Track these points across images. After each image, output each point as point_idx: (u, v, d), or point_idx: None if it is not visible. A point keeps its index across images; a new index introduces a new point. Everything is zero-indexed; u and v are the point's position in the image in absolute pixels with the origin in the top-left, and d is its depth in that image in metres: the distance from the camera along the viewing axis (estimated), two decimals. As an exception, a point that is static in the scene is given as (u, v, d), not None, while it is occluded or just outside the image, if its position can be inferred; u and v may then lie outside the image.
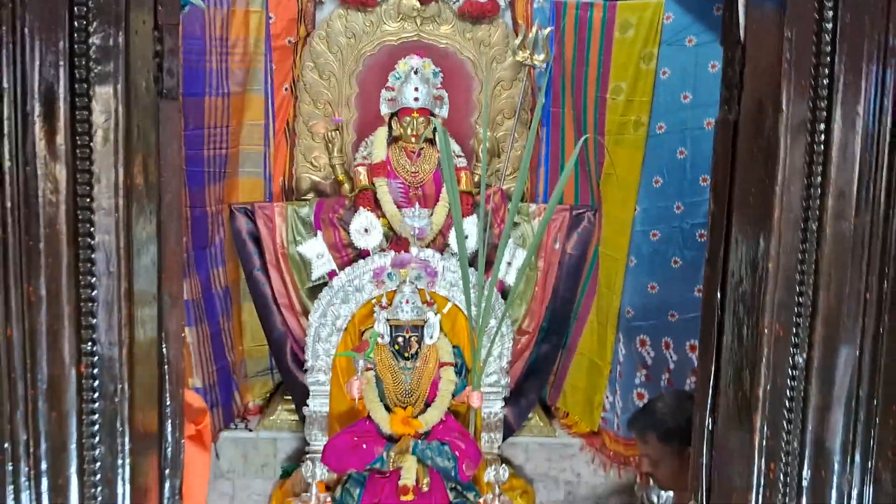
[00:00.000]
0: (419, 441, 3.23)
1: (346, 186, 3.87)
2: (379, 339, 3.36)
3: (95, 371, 1.20)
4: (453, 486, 3.27)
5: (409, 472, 3.14)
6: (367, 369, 3.33)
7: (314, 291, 3.68)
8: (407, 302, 3.36)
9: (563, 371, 4.07)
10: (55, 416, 1.19)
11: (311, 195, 4.00)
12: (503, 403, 3.71)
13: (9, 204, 1.14)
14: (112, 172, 1.18)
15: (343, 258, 3.67)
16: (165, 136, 1.34)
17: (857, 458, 1.28)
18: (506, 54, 3.96)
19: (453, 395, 3.37)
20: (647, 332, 3.70)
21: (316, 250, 3.62)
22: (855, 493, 1.29)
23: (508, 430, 3.82)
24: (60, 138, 1.14)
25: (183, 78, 3.45)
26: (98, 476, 1.23)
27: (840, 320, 1.26)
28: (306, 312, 3.67)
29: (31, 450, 1.19)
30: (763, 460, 1.30)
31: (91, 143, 1.16)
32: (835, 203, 1.24)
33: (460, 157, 3.89)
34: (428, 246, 3.63)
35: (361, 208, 3.62)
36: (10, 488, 1.19)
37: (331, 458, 3.19)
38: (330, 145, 3.89)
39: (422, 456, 3.19)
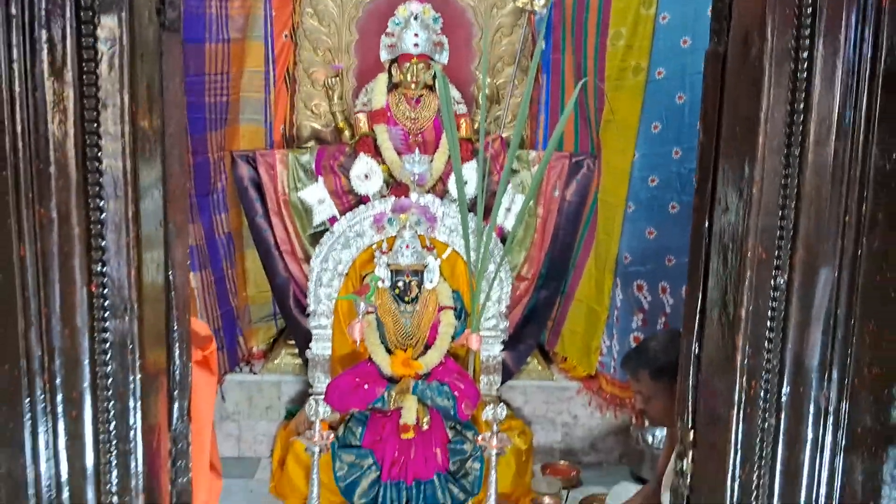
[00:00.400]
0: (419, 381, 3.31)
1: (347, 133, 3.90)
2: (379, 283, 3.42)
3: (106, 291, 1.26)
4: (452, 424, 3.36)
5: (410, 411, 3.23)
6: (368, 313, 3.40)
7: (316, 238, 3.74)
8: (407, 247, 3.41)
9: (561, 317, 4.14)
10: (68, 333, 1.24)
11: (311, 143, 4.04)
12: (502, 347, 3.79)
13: (19, 128, 1.18)
14: (118, 99, 1.22)
15: (344, 205, 3.71)
16: (168, 67, 1.37)
17: (835, 375, 1.34)
18: (506, 0, 3.96)
19: (452, 338, 3.45)
20: (645, 278, 3.75)
21: (317, 196, 3.67)
22: (832, 408, 1.35)
23: (507, 373, 3.90)
24: (67, 64, 1.18)
25: (183, 24, 3.46)
26: (110, 391, 1.29)
27: (820, 243, 1.30)
28: (308, 258, 3.73)
29: (46, 365, 1.25)
30: (744, 378, 1.36)
31: (97, 70, 1.20)
32: (816, 129, 1.28)
33: (460, 103, 3.91)
34: (428, 192, 3.67)
35: (362, 154, 3.66)
36: (26, 401, 1.25)
37: (333, 397, 3.27)
38: (330, 92, 3.91)
39: (422, 396, 3.27)
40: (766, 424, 1.37)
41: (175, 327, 1.47)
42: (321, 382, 3.63)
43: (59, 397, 1.26)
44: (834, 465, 1.38)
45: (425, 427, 3.25)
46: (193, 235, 3.61)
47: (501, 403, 3.19)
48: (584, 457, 3.96)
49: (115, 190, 1.24)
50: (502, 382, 3.85)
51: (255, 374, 3.93)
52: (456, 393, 3.27)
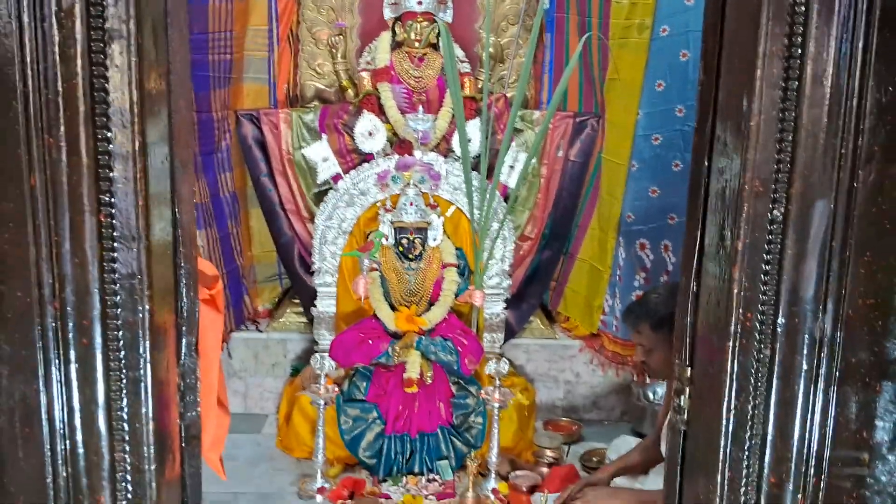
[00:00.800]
0: (423, 337, 3.35)
1: (350, 92, 3.90)
2: (383, 241, 3.45)
3: (114, 221, 1.28)
4: (456, 379, 3.40)
5: (414, 365, 3.27)
6: (372, 270, 3.43)
7: (320, 197, 3.76)
8: (411, 204, 3.43)
9: (564, 277, 4.17)
10: (78, 261, 1.27)
11: (315, 103, 4.04)
12: (505, 305, 3.83)
13: (28, 59, 1.20)
14: (124, 31, 1.24)
15: (348, 163, 3.73)
16: (173, 4, 1.39)
17: (830, 306, 1.36)
18: (510, -42, 3.94)
19: (456, 295, 3.48)
20: (647, 236, 3.77)
21: (321, 153, 3.69)
22: (827, 339, 1.38)
23: (510, 332, 3.94)
24: (74, -5, 1.20)
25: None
26: (120, 320, 1.32)
27: (816, 176, 1.32)
28: (312, 217, 3.76)
29: (57, 292, 1.28)
30: (741, 310, 1.39)
31: (104, 2, 1.22)
32: (814, 64, 1.29)
33: (464, 62, 3.92)
34: (432, 150, 3.68)
35: (365, 112, 3.67)
36: (37, 329, 1.29)
37: (338, 352, 3.31)
38: (333, 51, 3.91)
39: (425, 350, 3.31)
40: (762, 356, 1.40)
41: (182, 263, 1.50)
42: (326, 340, 3.67)
43: (71, 324, 1.30)
44: (828, 395, 1.41)
45: (429, 381, 3.29)
46: (199, 194, 3.63)
47: (504, 358, 3.23)
48: (586, 414, 4.01)
49: (122, 121, 1.26)
50: (505, 341, 3.89)
51: (260, 332, 3.97)
52: (459, 348, 3.31)
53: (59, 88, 1.22)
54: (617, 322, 3.88)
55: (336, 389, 3.23)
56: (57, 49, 1.21)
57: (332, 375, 3.34)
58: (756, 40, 1.32)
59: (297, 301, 4.04)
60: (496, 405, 3.16)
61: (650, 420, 3.72)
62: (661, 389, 3.68)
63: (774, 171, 1.33)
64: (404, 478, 3.24)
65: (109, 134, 1.26)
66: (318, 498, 3.11)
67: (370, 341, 3.33)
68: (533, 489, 3.10)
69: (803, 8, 1.28)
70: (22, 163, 1.23)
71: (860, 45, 1.29)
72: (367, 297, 3.38)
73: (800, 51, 1.29)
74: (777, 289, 1.37)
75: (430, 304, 3.48)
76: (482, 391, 3.27)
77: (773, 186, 1.34)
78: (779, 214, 1.34)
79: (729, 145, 1.40)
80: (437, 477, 3.25)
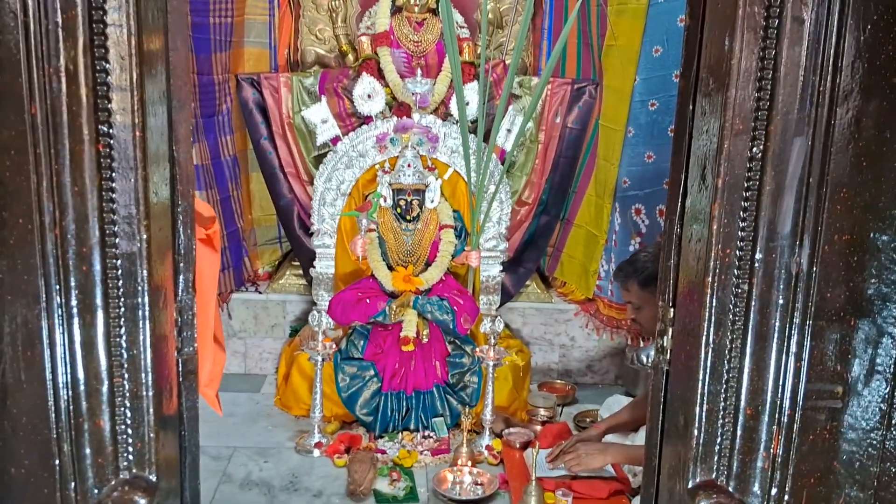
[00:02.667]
0: (419, 296, 3.39)
1: (350, 57, 3.93)
2: (381, 202, 3.49)
3: (112, 152, 1.32)
4: (452, 339, 3.45)
5: (410, 324, 3.32)
6: (370, 230, 3.47)
7: (319, 160, 3.79)
8: (409, 166, 3.47)
9: (560, 242, 4.21)
10: (77, 190, 1.32)
11: (315, 68, 4.06)
12: (501, 268, 3.87)
13: (27, -12, 1.24)
14: (122, -36, 1.27)
15: (347, 127, 3.76)
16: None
17: (806, 241, 1.40)
18: (511, -75, 3.95)
19: (453, 256, 3.52)
20: (643, 201, 3.80)
21: (320, 115, 3.72)
22: (803, 274, 1.42)
23: (506, 295, 3.99)
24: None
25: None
26: (118, 249, 1.37)
27: (794, 113, 1.36)
28: (312, 180, 3.79)
29: (58, 220, 1.32)
30: (720, 246, 1.43)
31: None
32: (793, 3, 1.32)
33: (463, 27, 3.94)
34: (430, 114, 3.71)
35: (364, 74, 3.70)
36: (38, 255, 1.33)
37: (336, 310, 3.36)
38: (334, 15, 3.94)
39: (422, 310, 3.36)
40: (739, 290, 1.44)
41: (179, 200, 1.54)
42: (325, 300, 3.71)
43: (71, 252, 1.34)
44: (804, 330, 1.45)
45: (425, 340, 3.34)
46: (200, 156, 3.66)
47: (499, 318, 3.27)
48: (581, 377, 4.06)
49: (120, 52, 1.30)
50: (501, 304, 3.94)
51: (260, 293, 4.02)
52: (455, 307, 3.36)
53: (59, 19, 1.26)
54: (612, 286, 3.92)
55: (334, 347, 3.28)
56: (56, -21, 1.24)
57: (329, 335, 3.39)
58: (739, -20, 1.35)
59: (296, 263, 4.09)
60: (491, 363, 3.21)
61: (644, 383, 3.77)
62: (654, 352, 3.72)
63: (754, 109, 1.37)
64: (400, 434, 3.30)
65: (108, 66, 1.29)
66: (315, 452, 3.17)
67: (367, 300, 3.37)
68: (526, 446, 3.16)
69: (784, -51, 1.31)
70: (22, 91, 1.26)
71: (839, -17, 1.32)
72: (364, 258, 3.43)
73: (780, -9, 1.33)
74: (755, 225, 1.41)
75: (427, 264, 3.52)
76: (477, 350, 3.33)
77: (753, 124, 1.38)
78: (758, 152, 1.38)
79: (711, 86, 1.44)
80: (432, 434, 3.31)
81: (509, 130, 3.74)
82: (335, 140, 3.72)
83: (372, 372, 3.35)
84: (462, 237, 3.58)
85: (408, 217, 3.50)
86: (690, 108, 1.55)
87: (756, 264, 1.42)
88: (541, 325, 4.04)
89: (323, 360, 3.17)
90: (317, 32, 4.09)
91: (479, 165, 3.59)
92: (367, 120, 3.72)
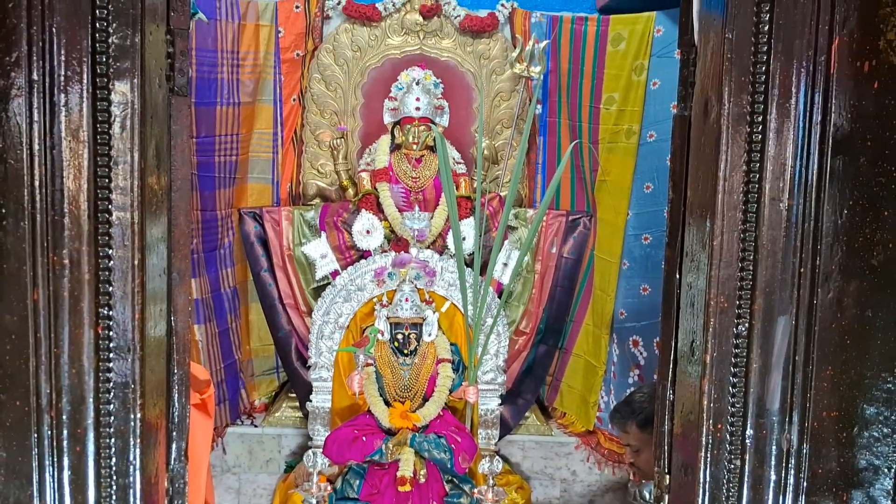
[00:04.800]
0: (417, 434, 3.36)
1: (350, 192, 4.04)
2: (379, 336, 3.50)
3: (111, 333, 1.35)
4: (450, 478, 3.40)
5: (407, 463, 3.27)
6: (367, 365, 3.47)
7: (318, 292, 3.84)
8: (406, 300, 3.50)
9: (559, 372, 4.20)
10: (75, 372, 1.34)
11: (316, 200, 4.17)
12: (500, 401, 3.85)
13: (37, 182, 1.29)
14: (128, 157, 1.34)
15: (346, 259, 3.82)
16: (176, 127, 1.50)
17: (796, 418, 1.41)
18: (505, 67, 4.13)
19: (450, 391, 3.51)
20: (640, 333, 3.82)
21: (320, 251, 3.79)
22: (794, 450, 1.42)
23: (505, 428, 3.95)
24: (83, 125, 1.30)
25: (196, 88, 3.64)
26: (112, 429, 1.38)
27: (777, 292, 1.39)
28: (311, 312, 3.82)
29: (54, 402, 1.34)
30: (711, 421, 1.44)
31: (110, 131, 1.32)
32: (771, 187, 1.38)
33: (460, 163, 4.06)
34: (428, 248, 3.78)
35: (363, 210, 3.79)
36: (34, 437, 1.34)
37: (332, 449, 3.32)
38: (335, 152, 4.07)
39: (419, 448, 3.32)
40: (732, 466, 1.44)
41: (175, 371, 1.56)
42: (321, 435, 3.68)
43: (65, 433, 1.35)
44: (798, 506, 1.44)
45: (422, 480, 3.29)
46: (200, 289, 3.71)
47: (497, 457, 3.23)
48: (583, 513, 3.98)
49: (123, 240, 1.35)
50: (501, 437, 3.90)
51: (256, 426, 3.98)
52: (453, 446, 3.32)
53: (65, 210, 1.31)
54: (610, 425, 3.89)
55: (329, 487, 3.22)
56: (64, 173, 1.30)
57: (325, 472, 3.34)
58: (717, 165, 1.41)
59: (293, 395, 4.07)
60: (489, 504, 3.14)
61: (646, 520, 3.68)
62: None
63: (738, 288, 1.41)
64: (396, 579, 3.21)
65: (111, 251, 1.34)
66: None
67: (364, 438, 3.34)
68: (526, 592, 3.06)
69: (760, 136, 1.38)
70: (26, 278, 1.30)
71: (815, 171, 1.38)
72: (361, 393, 3.42)
73: (758, 176, 1.39)
74: (745, 401, 1.42)
75: (425, 399, 3.50)
76: (476, 490, 3.26)
77: (738, 302, 1.41)
78: (743, 329, 1.41)
79: (696, 261, 1.48)
80: (429, 578, 3.21)
81: (506, 264, 3.80)
82: (334, 274, 3.77)
83: (368, 513, 3.29)
84: (460, 371, 3.58)
85: (405, 351, 3.50)
86: (678, 278, 1.59)
87: (747, 440, 1.43)
88: (541, 458, 3.99)
89: (318, 502, 3.11)
90: (318, 167, 4.22)
91: (476, 299, 3.62)
92: (365, 254, 3.79)
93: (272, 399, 4.21)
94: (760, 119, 1.37)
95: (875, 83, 1.35)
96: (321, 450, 3.33)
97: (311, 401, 3.75)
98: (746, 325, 1.41)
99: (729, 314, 1.41)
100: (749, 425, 1.42)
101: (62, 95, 1.29)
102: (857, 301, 1.39)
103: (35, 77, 1.28)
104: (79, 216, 1.31)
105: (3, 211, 1.29)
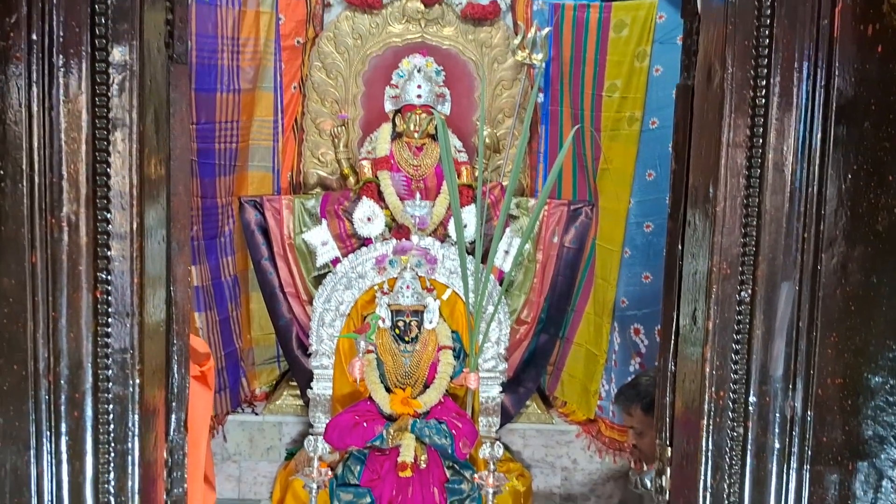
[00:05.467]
0: (417, 420, 3.35)
1: (351, 180, 4.03)
2: (380, 323, 3.49)
3: (110, 298, 1.34)
4: (450, 464, 3.39)
5: (408, 449, 3.26)
6: (368, 352, 3.46)
7: (319, 280, 3.83)
8: (408, 287, 3.49)
9: (561, 361, 4.19)
10: (73, 336, 1.33)
11: (317, 189, 4.16)
12: (501, 389, 3.84)
13: (35, 144, 1.29)
14: (127, 119, 1.33)
15: (347, 248, 3.81)
16: (175, 95, 1.49)
17: (799, 385, 1.40)
18: (506, 55, 4.12)
19: (451, 378, 3.50)
20: (641, 321, 3.81)
21: (320, 238, 3.78)
22: (798, 418, 1.41)
23: (506, 416, 3.94)
24: (82, 87, 1.29)
25: (196, 74, 3.62)
26: (111, 394, 1.36)
27: (780, 259, 1.38)
28: (311, 300, 3.81)
29: (52, 366, 1.33)
30: (713, 389, 1.43)
31: (108, 93, 1.31)
32: (774, 153, 1.37)
33: (461, 152, 4.05)
34: (429, 236, 3.77)
35: (364, 198, 3.78)
36: (31, 401, 1.33)
37: (332, 435, 3.32)
38: (336, 140, 4.06)
39: (420, 434, 3.31)
40: (735, 434, 1.43)
41: (174, 341, 1.55)
42: (321, 422, 3.67)
43: (63, 398, 1.34)
44: (801, 474, 1.43)
45: (423, 465, 3.28)
46: (200, 277, 3.71)
47: (498, 442, 3.22)
48: (584, 502, 3.96)
49: (122, 204, 1.34)
50: (501, 425, 3.89)
51: (256, 414, 3.98)
52: (454, 431, 3.31)
53: (64, 172, 1.30)
54: (613, 407, 3.88)
55: (330, 473, 3.21)
56: (63, 136, 1.29)
57: (326, 459, 3.33)
58: (720, 131, 1.40)
59: (293, 384, 4.06)
60: (490, 490, 3.13)
61: (648, 508, 3.67)
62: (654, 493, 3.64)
63: (741, 255, 1.39)
64: (397, 565, 3.20)
65: (109, 215, 1.33)
66: (309, 585, 3.06)
67: (365, 424, 3.33)
68: (527, 578, 3.05)
69: (763, 101, 1.37)
70: (24, 241, 1.29)
71: (818, 136, 1.37)
72: (362, 380, 3.41)
73: (761, 141, 1.37)
74: (747, 368, 1.41)
75: (426, 386, 3.49)
76: (476, 476, 3.25)
77: (740, 269, 1.40)
78: (746, 296, 1.40)
79: (698, 229, 1.47)
80: (430, 565, 3.20)
81: (507, 252, 3.79)
82: (335, 261, 3.76)
83: (368, 499, 3.28)
84: (461, 358, 3.57)
85: (406, 338, 3.50)
86: (679, 248, 1.58)
87: (750, 407, 1.41)
88: (542, 446, 3.98)
89: (318, 487, 3.10)
90: (319, 156, 4.21)
91: (477, 287, 3.61)
92: (366, 242, 3.78)
93: (273, 388, 4.20)
94: (764, 84, 1.36)
95: (879, 47, 1.33)
96: (322, 436, 3.32)
97: (311, 388, 3.75)
98: (749, 291, 1.39)
99: (731, 281, 1.40)
100: (752, 392, 1.41)
101: (61, 57, 1.28)
102: (862, 267, 1.37)
103: (34, 38, 1.27)
104: (77, 179, 1.30)
105: (2, 173, 1.28)
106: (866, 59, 1.35)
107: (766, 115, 1.37)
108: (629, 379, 3.83)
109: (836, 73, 1.36)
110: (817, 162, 1.37)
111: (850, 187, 1.37)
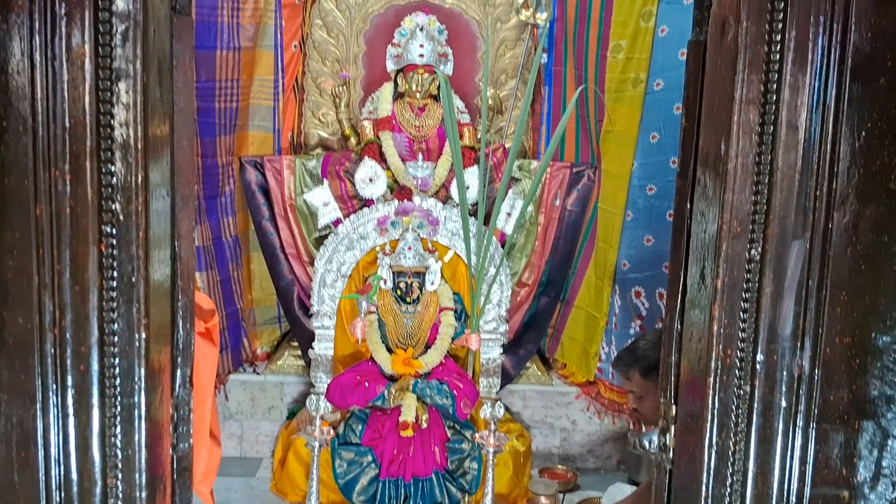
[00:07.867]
0: (419, 380, 3.37)
1: (353, 141, 4.00)
2: (382, 284, 3.49)
3: (114, 251, 1.33)
4: (451, 424, 3.41)
5: (409, 408, 3.28)
6: (370, 312, 3.46)
7: (320, 241, 3.82)
8: (409, 249, 3.49)
9: (561, 324, 4.20)
10: (78, 289, 1.32)
11: (318, 150, 4.13)
12: (501, 350, 3.85)
13: (38, 95, 1.26)
14: (130, 70, 1.30)
15: (349, 209, 3.80)
16: (179, 47, 1.46)
17: (808, 344, 1.40)
18: (510, 15, 4.07)
19: (452, 339, 3.51)
20: (642, 284, 3.81)
21: (322, 198, 3.76)
22: (805, 377, 1.41)
23: (506, 377, 3.96)
24: (85, 37, 1.26)
25: (195, 31, 3.56)
26: (116, 348, 1.36)
27: (791, 217, 1.37)
28: (312, 261, 3.81)
29: (57, 320, 1.32)
30: (720, 347, 1.42)
31: (111, 43, 1.28)
32: (787, 110, 1.35)
33: (464, 113, 4.02)
34: (431, 197, 3.75)
35: (366, 158, 3.75)
36: (37, 355, 1.33)
37: (335, 394, 3.33)
38: (337, 100, 4.02)
39: (421, 394, 3.33)
40: (741, 392, 1.42)
41: (179, 296, 1.54)
42: (323, 383, 3.69)
43: (69, 351, 1.33)
44: (808, 433, 1.43)
45: (424, 425, 3.30)
46: (201, 237, 3.69)
47: (499, 403, 3.24)
48: (583, 462, 4.00)
49: (126, 156, 1.32)
50: (502, 386, 3.91)
51: (258, 374, 3.99)
52: (455, 392, 3.33)
53: (67, 124, 1.28)
54: (613, 370, 3.90)
55: (332, 432, 3.23)
56: (66, 86, 1.27)
57: (327, 418, 3.35)
58: (732, 87, 1.38)
59: (295, 344, 4.07)
60: (491, 449, 3.15)
61: (647, 469, 3.70)
62: (657, 438, 3.67)
63: (751, 213, 1.38)
64: (398, 523, 3.23)
65: (113, 168, 1.31)
66: (311, 541, 3.09)
67: (366, 384, 3.35)
68: (527, 536, 3.09)
69: (778, 56, 1.34)
70: (28, 193, 1.28)
71: (833, 92, 1.35)
72: (364, 340, 3.41)
73: (774, 97, 1.35)
74: (755, 326, 1.40)
75: (427, 347, 3.51)
76: (477, 435, 3.27)
77: (751, 227, 1.39)
78: (756, 254, 1.39)
79: (708, 188, 1.46)
80: (431, 523, 3.24)
81: (509, 214, 3.78)
82: (336, 222, 3.75)
83: (370, 458, 3.30)
84: (462, 320, 3.57)
85: (408, 299, 3.50)
86: (688, 207, 1.57)
87: (758, 366, 1.41)
88: (542, 408, 4.00)
89: (320, 446, 3.12)
90: (320, 116, 4.17)
91: (479, 248, 3.61)
92: (368, 203, 3.76)
93: (274, 348, 4.21)
94: (779, 39, 1.34)
95: (897, 2, 1.31)
96: (324, 395, 3.34)
97: (313, 349, 3.76)
98: (759, 249, 1.38)
99: (741, 239, 1.39)
100: (759, 350, 1.41)
101: (63, 6, 1.25)
102: (874, 226, 1.37)
103: (35, -15, 1.24)
104: (81, 130, 1.28)
105: (4, 124, 1.26)
106: (883, 14, 1.32)
107: (781, 71, 1.34)
108: (627, 343, 3.85)
109: (853, 28, 1.33)
110: (831, 119, 1.35)
111: (863, 145, 1.36)
